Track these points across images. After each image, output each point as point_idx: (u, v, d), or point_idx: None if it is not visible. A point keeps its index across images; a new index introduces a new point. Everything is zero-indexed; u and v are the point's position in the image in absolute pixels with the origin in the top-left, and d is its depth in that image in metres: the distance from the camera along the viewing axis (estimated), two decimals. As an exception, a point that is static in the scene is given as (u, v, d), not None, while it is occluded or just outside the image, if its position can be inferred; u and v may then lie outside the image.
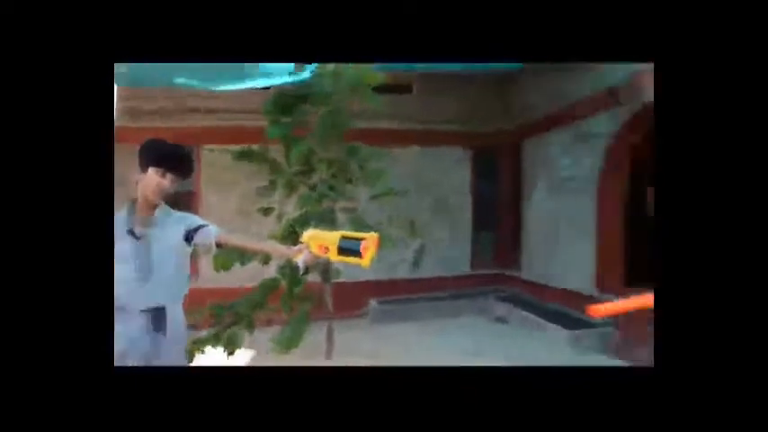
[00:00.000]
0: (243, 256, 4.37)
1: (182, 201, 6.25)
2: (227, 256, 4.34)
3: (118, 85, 4.55)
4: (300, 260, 2.02)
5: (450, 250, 8.23)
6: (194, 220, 2.27)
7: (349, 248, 1.87)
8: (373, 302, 7.50)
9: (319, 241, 1.97)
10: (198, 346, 4.35)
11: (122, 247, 2.04)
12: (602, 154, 5.93)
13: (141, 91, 6.73)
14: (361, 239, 1.86)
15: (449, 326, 6.96)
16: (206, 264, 5.85)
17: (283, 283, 4.70)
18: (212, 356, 4.57)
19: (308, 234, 2.02)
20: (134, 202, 2.18)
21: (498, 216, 8.58)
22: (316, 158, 4.69)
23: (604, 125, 5.89)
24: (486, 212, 8.56)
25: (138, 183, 2.14)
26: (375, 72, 4.56)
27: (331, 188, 4.59)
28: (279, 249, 2.44)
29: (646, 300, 1.74)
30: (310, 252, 2.00)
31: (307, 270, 2.17)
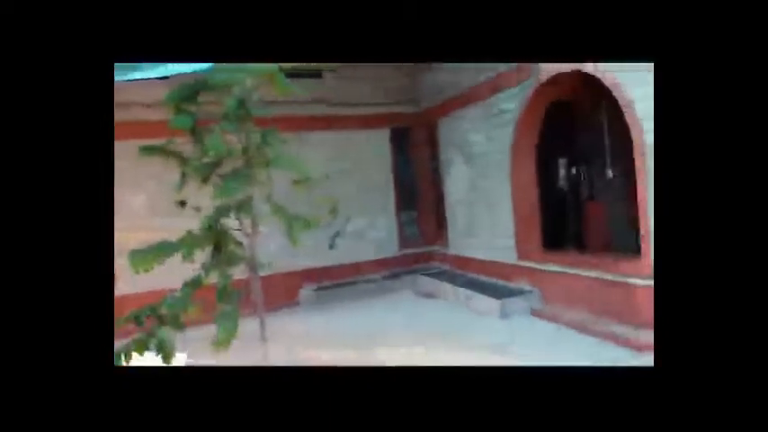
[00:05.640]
0: (161, 253, 4.17)
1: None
2: (144, 255, 4.14)
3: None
4: None
5: (378, 232, 8.31)
6: None
7: None
8: (304, 290, 7.48)
9: None
10: (123, 351, 4.15)
11: None
12: (512, 128, 6.17)
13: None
14: None
15: (379, 305, 7.06)
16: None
17: (209, 280, 4.58)
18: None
19: None
20: None
21: (421, 195, 8.75)
22: (230, 147, 4.56)
23: (512, 101, 6.12)
24: (408, 192, 8.70)
25: None
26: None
27: (246, 176, 4.49)
28: None
29: None
30: None
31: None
